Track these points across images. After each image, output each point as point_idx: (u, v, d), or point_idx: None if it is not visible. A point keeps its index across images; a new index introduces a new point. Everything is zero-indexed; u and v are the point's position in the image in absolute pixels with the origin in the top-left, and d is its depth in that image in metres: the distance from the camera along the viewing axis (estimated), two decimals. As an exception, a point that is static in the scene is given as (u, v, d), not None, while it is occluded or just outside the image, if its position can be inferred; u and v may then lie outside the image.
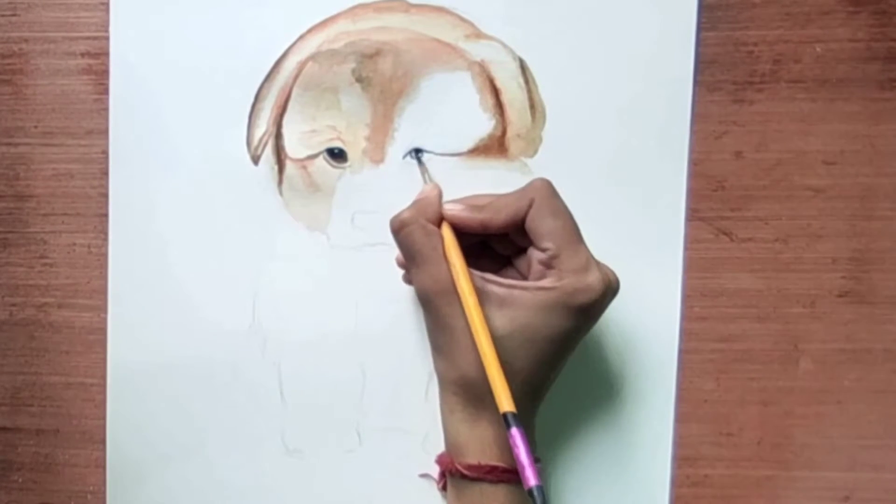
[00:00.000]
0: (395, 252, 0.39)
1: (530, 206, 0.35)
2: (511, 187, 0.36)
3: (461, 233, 0.36)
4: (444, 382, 0.36)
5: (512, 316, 0.34)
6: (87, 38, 0.40)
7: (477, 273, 0.35)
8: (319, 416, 0.40)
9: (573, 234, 0.35)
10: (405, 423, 0.40)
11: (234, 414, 0.40)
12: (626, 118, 0.39)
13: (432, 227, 0.35)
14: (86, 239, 0.41)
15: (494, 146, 0.39)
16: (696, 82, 0.39)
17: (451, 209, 0.36)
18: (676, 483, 0.40)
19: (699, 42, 0.39)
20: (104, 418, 0.41)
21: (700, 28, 0.39)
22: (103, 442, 0.41)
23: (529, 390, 0.35)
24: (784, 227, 0.39)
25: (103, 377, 0.41)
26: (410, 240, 0.35)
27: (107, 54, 0.40)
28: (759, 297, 0.40)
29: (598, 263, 0.34)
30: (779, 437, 0.40)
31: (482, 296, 0.34)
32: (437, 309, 0.35)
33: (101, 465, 0.41)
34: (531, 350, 0.34)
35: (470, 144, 0.39)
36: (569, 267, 0.34)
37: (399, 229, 0.35)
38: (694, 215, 0.39)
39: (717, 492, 0.40)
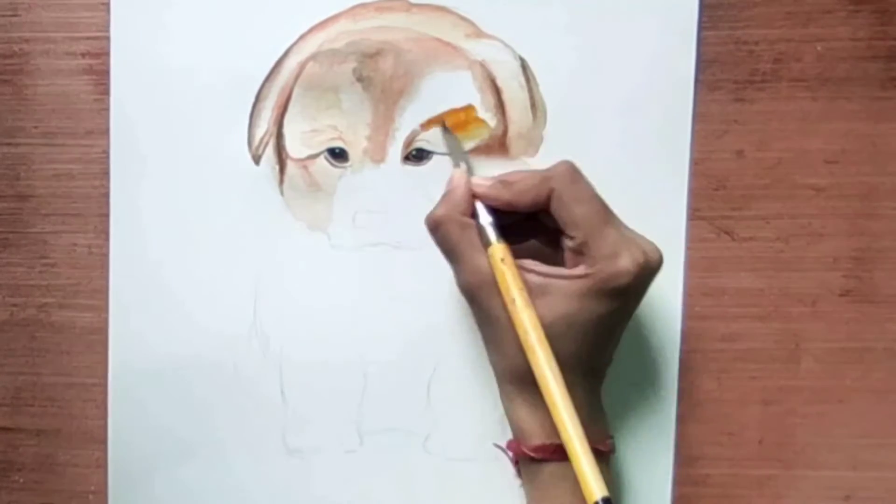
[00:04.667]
0: (397, 251, 0.40)
1: (550, 195, 0.35)
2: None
3: (504, 212, 0.36)
4: (498, 373, 0.36)
5: (552, 305, 0.34)
6: (88, 38, 0.40)
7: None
8: (320, 416, 0.40)
9: (600, 219, 0.34)
10: (406, 424, 0.40)
11: (235, 414, 0.40)
12: (627, 117, 0.39)
13: (467, 221, 0.35)
14: (86, 239, 0.41)
15: (495, 145, 0.39)
16: (697, 81, 0.39)
17: (479, 184, 0.36)
18: (678, 482, 0.40)
19: (700, 41, 0.39)
20: (105, 418, 0.41)
21: (701, 27, 0.39)
22: (104, 442, 0.41)
23: (586, 373, 0.35)
24: (785, 226, 0.39)
25: (104, 377, 0.41)
26: (447, 237, 0.35)
27: (107, 54, 0.40)
28: (761, 296, 0.40)
29: (630, 244, 0.34)
30: (780, 436, 0.40)
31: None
32: (480, 302, 0.35)
33: (102, 465, 0.41)
34: (576, 336, 0.34)
35: (471, 144, 0.39)
36: (599, 253, 0.34)
37: (435, 228, 0.36)
38: (695, 214, 0.39)
39: (719, 491, 0.40)
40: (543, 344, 0.33)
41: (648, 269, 0.34)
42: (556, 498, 0.34)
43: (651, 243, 0.35)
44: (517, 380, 0.35)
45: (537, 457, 0.34)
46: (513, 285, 0.34)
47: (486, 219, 0.36)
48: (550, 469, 0.35)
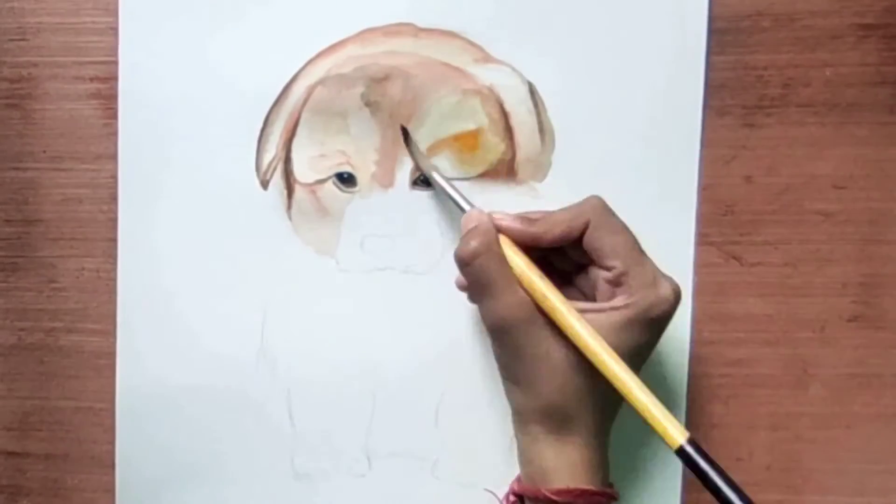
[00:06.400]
0: (405, 276, 0.39)
1: (586, 226, 0.34)
2: (520, 211, 0.36)
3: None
4: (524, 412, 0.35)
5: None
6: (96, 62, 0.40)
7: None
8: (328, 440, 0.40)
9: (636, 248, 0.34)
10: (415, 449, 0.40)
11: (243, 438, 0.40)
12: (635, 143, 0.39)
13: (502, 254, 0.34)
14: (94, 263, 0.41)
15: (503, 170, 0.39)
16: (705, 107, 0.39)
17: (502, 220, 0.35)
18: (686, 508, 0.40)
19: (708, 66, 0.39)
20: (113, 443, 0.41)
21: (709, 52, 0.39)
22: (112, 466, 0.41)
23: (607, 409, 0.34)
24: (793, 252, 0.39)
25: (112, 401, 0.41)
26: (483, 270, 0.34)
27: (116, 79, 0.40)
28: (769, 321, 0.40)
29: (663, 274, 0.34)
30: (788, 461, 0.40)
31: (552, 323, 0.34)
32: (514, 339, 0.34)
33: (110, 489, 0.41)
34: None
35: (479, 169, 0.39)
36: (639, 282, 0.33)
37: (470, 260, 0.34)
38: (703, 240, 0.39)
39: (727, 516, 0.40)
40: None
41: (678, 300, 0.34)
42: None
43: (672, 278, 0.35)
44: (547, 418, 0.34)
45: (560, 500, 0.33)
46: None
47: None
48: None
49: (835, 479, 0.40)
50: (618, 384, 0.32)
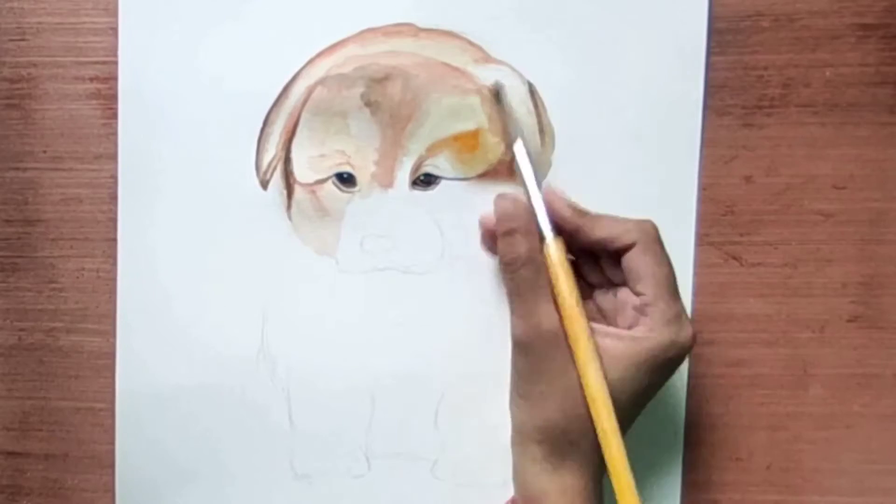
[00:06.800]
0: (405, 276, 0.39)
1: (631, 245, 0.34)
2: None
3: None
4: (526, 430, 0.35)
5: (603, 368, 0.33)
6: (96, 62, 0.40)
7: None
8: (328, 441, 0.40)
9: (672, 285, 0.34)
10: (414, 449, 0.40)
11: (242, 439, 0.40)
12: (635, 143, 0.39)
13: (542, 261, 0.34)
14: (94, 263, 0.41)
15: (504, 170, 0.39)
16: (705, 107, 0.39)
17: (556, 200, 0.35)
18: (686, 508, 0.40)
19: (709, 66, 0.39)
20: (113, 443, 0.41)
21: (709, 52, 0.39)
22: (112, 467, 0.41)
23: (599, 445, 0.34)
24: (793, 252, 0.39)
25: (112, 402, 0.40)
26: (524, 281, 0.34)
27: (116, 79, 0.40)
28: (769, 321, 0.40)
29: (688, 318, 0.34)
30: (788, 462, 0.40)
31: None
32: (535, 354, 0.34)
33: (110, 489, 0.41)
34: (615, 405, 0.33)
35: (479, 169, 0.39)
36: (663, 318, 0.33)
37: (515, 268, 0.34)
38: (703, 240, 0.39)
39: (727, 516, 0.40)
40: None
41: (692, 347, 0.34)
42: None
43: None
44: (547, 438, 0.34)
45: None
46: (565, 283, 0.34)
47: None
48: None
49: (835, 479, 0.40)
50: (601, 435, 0.32)
